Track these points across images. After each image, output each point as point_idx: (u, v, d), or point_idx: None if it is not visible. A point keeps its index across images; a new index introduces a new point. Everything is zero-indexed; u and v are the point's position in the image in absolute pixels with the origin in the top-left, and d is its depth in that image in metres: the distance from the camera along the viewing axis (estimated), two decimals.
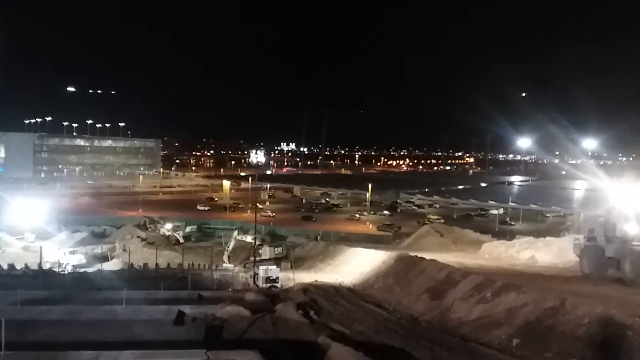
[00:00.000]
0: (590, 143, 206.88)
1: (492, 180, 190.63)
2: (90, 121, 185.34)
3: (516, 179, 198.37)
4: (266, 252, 58.75)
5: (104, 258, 62.00)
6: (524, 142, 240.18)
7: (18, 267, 48.08)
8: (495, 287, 24.94)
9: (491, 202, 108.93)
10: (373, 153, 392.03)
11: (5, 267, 48.32)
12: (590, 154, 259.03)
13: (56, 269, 50.14)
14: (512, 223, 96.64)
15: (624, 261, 26.21)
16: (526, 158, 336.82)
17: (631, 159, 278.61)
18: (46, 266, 50.39)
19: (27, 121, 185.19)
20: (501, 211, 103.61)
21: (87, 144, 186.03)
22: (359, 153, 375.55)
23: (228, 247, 61.68)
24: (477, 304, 24.60)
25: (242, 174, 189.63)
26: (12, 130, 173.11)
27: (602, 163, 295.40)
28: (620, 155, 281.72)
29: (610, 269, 27.05)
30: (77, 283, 37.72)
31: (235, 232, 64.16)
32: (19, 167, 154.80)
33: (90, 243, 71.09)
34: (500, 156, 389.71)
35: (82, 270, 51.39)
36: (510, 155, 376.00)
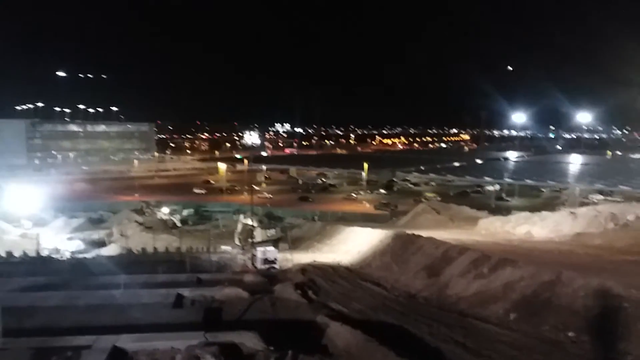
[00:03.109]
0: (584, 117, 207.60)
1: (488, 156, 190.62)
2: (82, 106, 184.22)
3: (511, 155, 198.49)
4: (258, 234, 58.83)
5: (102, 244, 61.96)
6: (519, 118, 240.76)
7: (16, 255, 47.99)
8: (491, 263, 25.07)
9: (487, 179, 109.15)
10: (368, 132, 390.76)
11: (3, 254, 48.21)
12: (585, 127, 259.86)
13: (54, 256, 50.12)
14: (508, 199, 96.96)
15: None
16: (521, 133, 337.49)
17: (626, 132, 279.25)
18: (44, 253, 50.39)
19: (18, 107, 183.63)
20: (497, 187, 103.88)
21: (80, 130, 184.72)
22: (354, 132, 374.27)
23: (237, 230, 62.36)
24: (474, 280, 24.75)
25: (238, 156, 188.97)
26: (3, 117, 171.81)
27: (597, 137, 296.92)
28: (614, 128, 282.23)
29: None
30: (75, 269, 37.63)
31: (242, 216, 64.64)
32: (12, 154, 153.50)
33: (87, 229, 70.95)
34: (496, 132, 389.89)
35: (80, 256, 51.34)
36: (505, 131, 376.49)
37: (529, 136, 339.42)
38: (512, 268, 23.41)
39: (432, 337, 18.11)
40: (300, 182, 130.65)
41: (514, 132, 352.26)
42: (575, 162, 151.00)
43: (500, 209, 70.79)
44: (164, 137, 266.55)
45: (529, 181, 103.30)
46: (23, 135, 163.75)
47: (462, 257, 27.75)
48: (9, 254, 48.29)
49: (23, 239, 60.87)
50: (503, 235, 41.53)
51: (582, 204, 65.46)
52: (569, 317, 18.54)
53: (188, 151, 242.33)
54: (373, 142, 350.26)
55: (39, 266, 37.90)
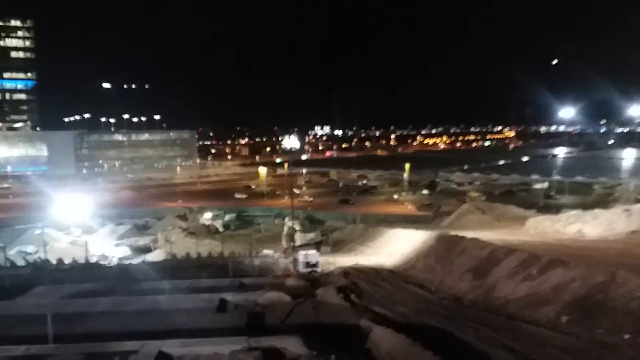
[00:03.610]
0: (638, 109, 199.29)
1: (535, 153, 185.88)
2: (126, 116, 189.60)
3: (560, 151, 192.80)
4: (298, 238, 58.96)
5: (147, 249, 63.46)
6: (567, 112, 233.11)
7: (66, 262, 49.72)
8: (541, 264, 24.23)
9: (534, 176, 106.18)
10: (408, 132, 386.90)
11: (54, 261, 50.01)
12: (638, 120, 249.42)
13: (102, 262, 51.64)
14: (558, 197, 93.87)
15: None
16: (570, 129, 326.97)
17: None
18: (93, 259, 52.03)
19: (66, 119, 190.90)
20: (545, 185, 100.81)
21: (125, 139, 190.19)
22: (395, 133, 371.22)
23: (284, 232, 63.15)
24: (522, 282, 23.97)
25: (278, 160, 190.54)
26: (53, 129, 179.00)
27: None
28: None
29: None
30: (123, 275, 38.65)
31: (287, 218, 65.33)
32: (61, 164, 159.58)
33: (133, 235, 72.82)
34: (542, 128, 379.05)
35: (127, 262, 52.71)
36: (553, 127, 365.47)
37: (578, 131, 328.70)
38: (563, 269, 22.55)
39: (479, 341, 17.57)
40: (340, 184, 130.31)
41: (561, 128, 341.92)
42: (628, 157, 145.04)
43: (549, 208, 68.61)
44: (205, 143, 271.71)
45: (579, 178, 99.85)
46: (71, 145, 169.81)
47: (509, 258, 26.93)
48: (60, 261, 50.08)
49: (73, 247, 63.08)
50: (553, 234, 40.11)
51: (637, 201, 62.65)
52: (624, 318, 17.70)
53: (229, 157, 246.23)
54: (414, 142, 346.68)
55: (88, 273, 39.10)
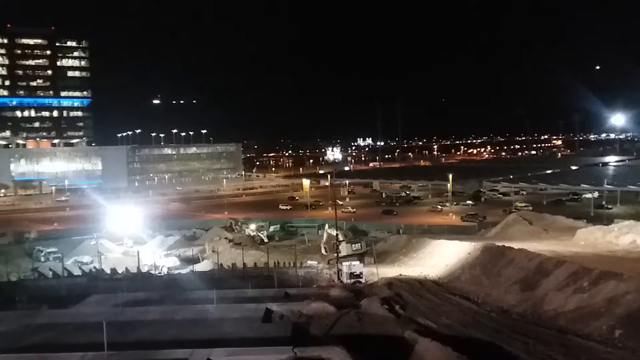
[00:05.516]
0: None
1: (584, 162, 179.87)
2: (175, 130, 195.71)
3: (611, 160, 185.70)
4: (344, 248, 58.86)
5: (195, 260, 64.82)
6: (618, 119, 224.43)
7: (119, 271, 51.55)
8: (592, 276, 23.53)
9: (584, 186, 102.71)
10: (452, 142, 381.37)
11: (108, 271, 51.92)
12: None
13: (153, 272, 53.16)
14: (609, 206, 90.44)
15: None
16: (621, 136, 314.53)
17: None
18: (144, 269, 53.62)
19: (119, 135, 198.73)
20: (596, 194, 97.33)
21: (174, 152, 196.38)
22: (438, 143, 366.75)
23: (323, 240, 63.50)
24: (573, 294, 23.33)
25: (321, 171, 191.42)
26: (106, 144, 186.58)
27: None
28: None
29: None
30: (172, 284, 39.80)
31: (327, 225, 65.62)
32: (115, 177, 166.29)
33: (182, 246, 74.58)
34: (592, 136, 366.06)
35: (176, 272, 54.07)
36: (603, 135, 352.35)
37: (630, 139, 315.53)
38: (616, 281, 21.85)
39: (529, 356, 17.25)
40: (383, 195, 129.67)
41: (612, 135, 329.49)
42: None
43: (600, 218, 66.23)
44: (250, 156, 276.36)
45: (632, 187, 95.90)
46: (124, 160, 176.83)
47: (558, 270, 26.24)
48: (114, 270, 51.96)
49: (125, 257, 65.23)
50: (604, 246, 38.66)
51: None
52: None
53: (273, 169, 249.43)
54: (457, 152, 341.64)
55: (139, 282, 40.44)
